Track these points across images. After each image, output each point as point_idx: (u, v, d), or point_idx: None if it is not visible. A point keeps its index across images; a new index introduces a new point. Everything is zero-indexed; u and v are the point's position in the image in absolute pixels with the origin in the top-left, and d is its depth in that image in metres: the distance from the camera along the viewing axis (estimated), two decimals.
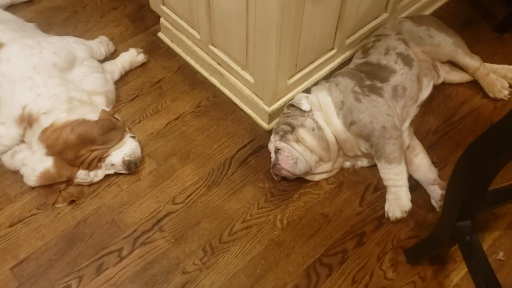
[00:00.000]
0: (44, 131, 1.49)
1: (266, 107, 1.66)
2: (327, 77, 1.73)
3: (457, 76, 1.81)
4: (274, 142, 1.59)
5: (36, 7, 2.04)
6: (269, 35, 1.41)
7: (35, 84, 1.51)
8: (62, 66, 1.59)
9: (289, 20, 1.39)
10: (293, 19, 1.40)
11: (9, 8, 2.01)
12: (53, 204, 1.53)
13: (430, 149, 1.65)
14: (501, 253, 1.48)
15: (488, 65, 1.80)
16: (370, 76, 1.59)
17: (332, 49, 1.71)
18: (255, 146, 1.69)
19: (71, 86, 1.58)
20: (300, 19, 1.44)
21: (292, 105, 1.59)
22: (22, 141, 1.55)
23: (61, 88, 1.54)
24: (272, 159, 1.59)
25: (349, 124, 1.51)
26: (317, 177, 1.60)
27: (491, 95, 1.80)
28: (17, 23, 1.78)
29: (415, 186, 1.57)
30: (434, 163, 1.60)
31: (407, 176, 1.52)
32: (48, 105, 1.50)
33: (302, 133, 1.52)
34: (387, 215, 1.53)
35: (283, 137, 1.55)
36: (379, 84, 1.57)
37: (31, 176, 1.50)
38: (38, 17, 2.00)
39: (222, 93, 1.82)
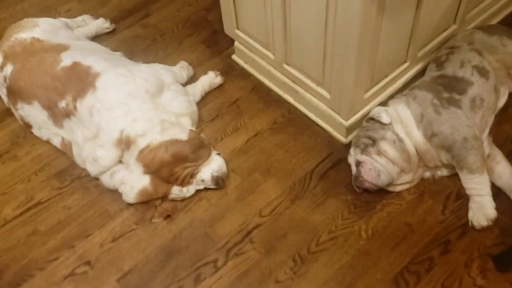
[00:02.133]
0: (141, 152, 1.61)
1: (343, 121, 1.73)
2: (400, 90, 1.78)
3: None
4: (354, 156, 1.65)
5: (118, 37, 2.21)
6: (349, 51, 1.48)
7: (130, 110, 1.65)
8: (153, 91, 1.72)
9: (368, 36, 1.46)
10: (371, 35, 1.47)
11: (94, 38, 2.18)
12: (150, 219, 1.65)
13: (509, 157, 1.66)
14: None
15: None
16: (448, 89, 1.63)
17: (405, 62, 1.76)
18: (333, 160, 1.76)
19: (161, 109, 1.70)
20: (378, 35, 1.51)
21: (372, 119, 1.65)
22: (120, 162, 1.68)
23: (154, 112, 1.66)
24: (353, 172, 1.65)
25: (430, 136, 1.55)
26: (398, 188, 1.65)
27: None
28: (106, 52, 1.94)
29: (497, 192, 1.59)
30: None
31: (490, 185, 1.54)
32: (143, 128, 1.63)
33: (384, 145, 1.58)
34: (472, 224, 1.55)
35: (364, 150, 1.61)
36: (457, 97, 1.60)
37: (130, 194, 1.63)
38: (121, 46, 2.16)
39: (297, 109, 1.90)
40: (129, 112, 1.64)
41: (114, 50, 2.05)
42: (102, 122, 1.65)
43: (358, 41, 1.44)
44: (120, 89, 1.67)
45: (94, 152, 1.66)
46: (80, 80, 1.70)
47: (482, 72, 1.66)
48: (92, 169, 1.69)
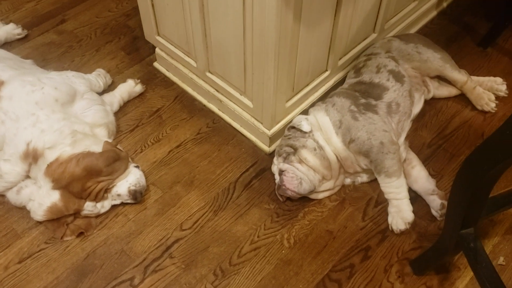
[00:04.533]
0: (50, 165, 1.50)
1: (266, 131, 1.71)
2: (322, 98, 1.78)
3: (445, 91, 1.89)
4: (277, 164, 1.63)
5: (31, 44, 2.08)
6: (267, 60, 1.46)
7: (38, 120, 1.54)
8: (63, 100, 1.61)
9: (286, 45, 1.45)
10: (289, 44, 1.46)
11: (4, 45, 2.04)
12: (61, 238, 1.54)
13: (426, 162, 1.71)
14: (501, 258, 1.53)
15: (475, 78, 1.88)
16: (365, 95, 1.65)
17: (326, 70, 1.77)
18: (257, 169, 1.73)
19: (73, 119, 1.61)
20: (296, 44, 1.50)
21: (293, 127, 1.63)
22: (27, 177, 1.57)
23: (64, 123, 1.56)
24: (276, 181, 1.63)
25: (348, 142, 1.56)
26: (320, 195, 1.64)
27: (479, 108, 1.87)
28: (14, 60, 1.81)
29: (414, 198, 1.62)
30: (431, 175, 1.66)
31: (407, 189, 1.57)
32: (52, 139, 1.52)
33: (305, 153, 1.57)
34: (391, 228, 1.57)
35: (286, 159, 1.59)
36: (373, 102, 1.63)
37: (38, 211, 1.51)
38: (34, 54, 2.03)
39: (222, 119, 1.86)
40: (36, 122, 1.53)
41: (26, 57, 1.92)
42: (7, 134, 1.54)
43: (275, 50, 1.42)
44: (26, 99, 1.56)
45: None
46: None
47: (398, 76, 1.70)
48: None
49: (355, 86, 1.69)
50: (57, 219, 1.53)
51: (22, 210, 1.59)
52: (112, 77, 1.94)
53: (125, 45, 2.09)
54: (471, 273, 1.48)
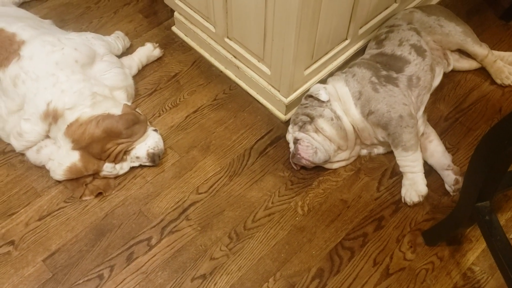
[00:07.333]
0: (70, 126, 1.52)
1: (283, 98, 1.71)
2: (340, 68, 1.77)
3: (466, 64, 1.87)
4: (292, 133, 1.64)
5: (49, 4, 2.07)
6: (289, 26, 1.45)
7: (58, 81, 1.54)
8: (83, 62, 1.62)
9: (308, 10, 1.43)
10: (311, 9, 1.44)
11: (22, 5, 2.02)
12: (80, 197, 1.57)
13: (442, 135, 1.71)
14: None
15: (496, 52, 1.86)
16: (386, 67, 1.64)
17: (346, 39, 1.75)
18: (273, 137, 1.74)
19: (93, 81, 1.61)
20: (318, 10, 1.48)
21: (310, 96, 1.63)
22: (47, 137, 1.59)
23: (84, 84, 1.57)
24: (291, 149, 1.64)
25: (367, 114, 1.56)
26: (335, 165, 1.65)
27: (498, 81, 1.85)
28: (34, 20, 1.81)
29: (428, 171, 1.63)
30: (447, 148, 1.66)
31: (422, 162, 1.58)
32: (72, 100, 1.53)
33: (321, 123, 1.57)
34: (404, 200, 1.58)
35: (302, 128, 1.60)
36: (394, 75, 1.62)
37: (58, 170, 1.54)
38: (52, 14, 2.02)
39: (238, 85, 1.86)
40: (56, 83, 1.54)
41: (44, 18, 1.91)
42: (28, 94, 1.55)
43: (298, 16, 1.41)
44: (47, 59, 1.56)
45: (19, 126, 1.56)
46: (4, 48, 1.58)
47: (420, 51, 1.68)
48: (17, 144, 1.59)
49: (377, 58, 1.67)
50: (76, 179, 1.56)
51: (42, 169, 1.62)
52: (130, 40, 1.93)
53: (143, 8, 2.08)
54: (483, 246, 1.50)
